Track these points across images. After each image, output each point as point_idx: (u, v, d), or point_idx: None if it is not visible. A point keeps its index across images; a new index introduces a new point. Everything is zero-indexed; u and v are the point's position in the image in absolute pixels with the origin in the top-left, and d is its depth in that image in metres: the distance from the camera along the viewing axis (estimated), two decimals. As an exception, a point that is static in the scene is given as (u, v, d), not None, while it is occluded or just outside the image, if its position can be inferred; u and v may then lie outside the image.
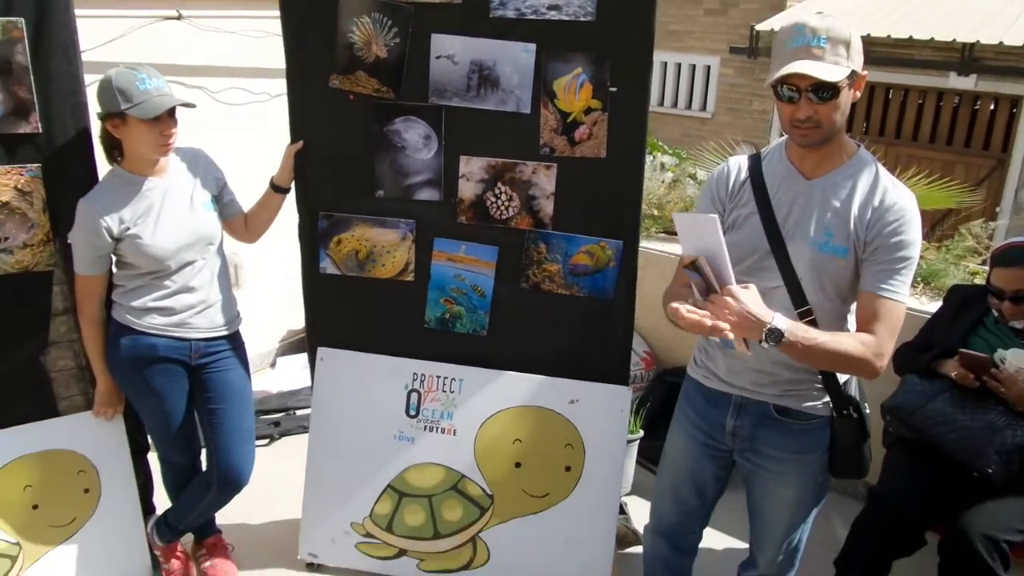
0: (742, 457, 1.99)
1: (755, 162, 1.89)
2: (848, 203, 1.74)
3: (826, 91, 1.64)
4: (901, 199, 1.71)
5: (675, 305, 1.61)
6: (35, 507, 2.44)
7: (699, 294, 1.67)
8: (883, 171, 1.77)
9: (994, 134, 8.74)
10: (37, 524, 2.46)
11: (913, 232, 1.70)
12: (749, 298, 1.60)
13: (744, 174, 1.89)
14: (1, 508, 2.39)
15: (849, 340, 1.70)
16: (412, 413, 2.67)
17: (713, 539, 2.58)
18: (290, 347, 4.43)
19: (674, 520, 2.23)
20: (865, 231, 1.72)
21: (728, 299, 1.59)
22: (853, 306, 1.83)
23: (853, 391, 1.88)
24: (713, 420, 2.00)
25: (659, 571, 2.34)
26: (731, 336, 1.57)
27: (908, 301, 1.74)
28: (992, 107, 8.73)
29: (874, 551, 2.40)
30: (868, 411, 1.88)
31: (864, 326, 1.73)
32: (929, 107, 9.05)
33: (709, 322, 1.56)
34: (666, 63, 10.58)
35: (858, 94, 1.71)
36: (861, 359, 1.69)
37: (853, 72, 1.65)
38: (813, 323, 1.75)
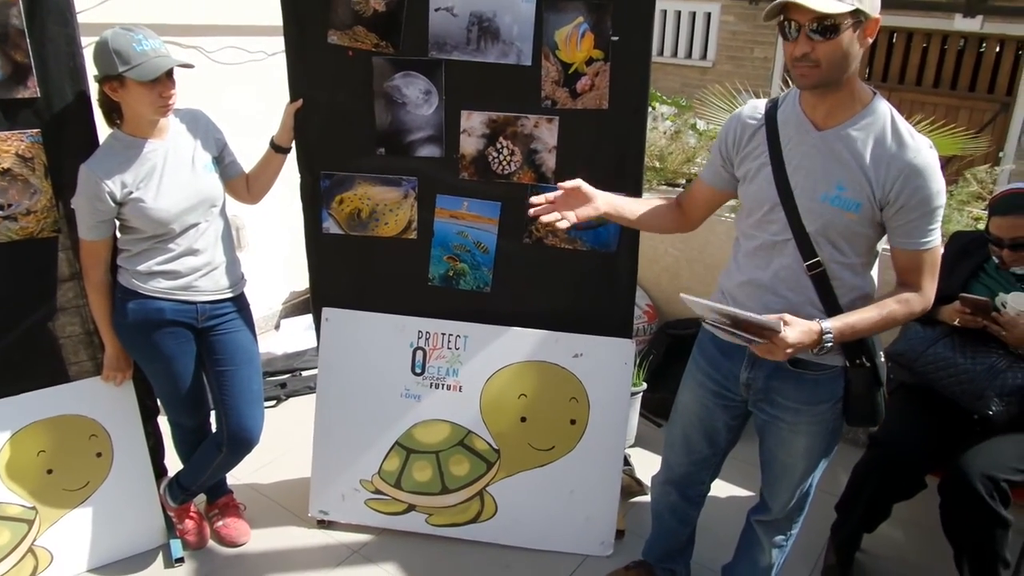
0: (756, 408, 2.01)
1: (771, 109, 1.85)
2: (861, 156, 1.70)
3: (826, 28, 1.59)
4: (921, 152, 1.67)
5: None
6: (49, 472, 2.47)
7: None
8: (900, 121, 1.71)
9: (999, 77, 8.63)
10: (52, 488, 2.49)
11: (937, 182, 1.68)
12: (795, 335, 1.65)
13: (755, 123, 1.86)
14: (17, 473, 2.42)
15: (897, 308, 1.76)
16: (418, 371, 2.69)
17: (718, 488, 2.61)
18: (294, 309, 4.44)
19: (684, 470, 2.26)
20: (884, 188, 1.69)
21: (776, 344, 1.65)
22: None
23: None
24: (727, 371, 2.02)
25: (667, 518, 2.39)
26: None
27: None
28: (997, 49, 8.61)
29: (874, 495, 2.44)
30: (882, 360, 1.89)
31: (906, 277, 1.78)
32: (933, 51, 8.92)
33: (781, 356, 1.67)
34: (665, 11, 10.34)
35: (870, 40, 1.65)
36: (910, 316, 1.78)
37: (858, 11, 1.59)
38: (823, 275, 1.78)
